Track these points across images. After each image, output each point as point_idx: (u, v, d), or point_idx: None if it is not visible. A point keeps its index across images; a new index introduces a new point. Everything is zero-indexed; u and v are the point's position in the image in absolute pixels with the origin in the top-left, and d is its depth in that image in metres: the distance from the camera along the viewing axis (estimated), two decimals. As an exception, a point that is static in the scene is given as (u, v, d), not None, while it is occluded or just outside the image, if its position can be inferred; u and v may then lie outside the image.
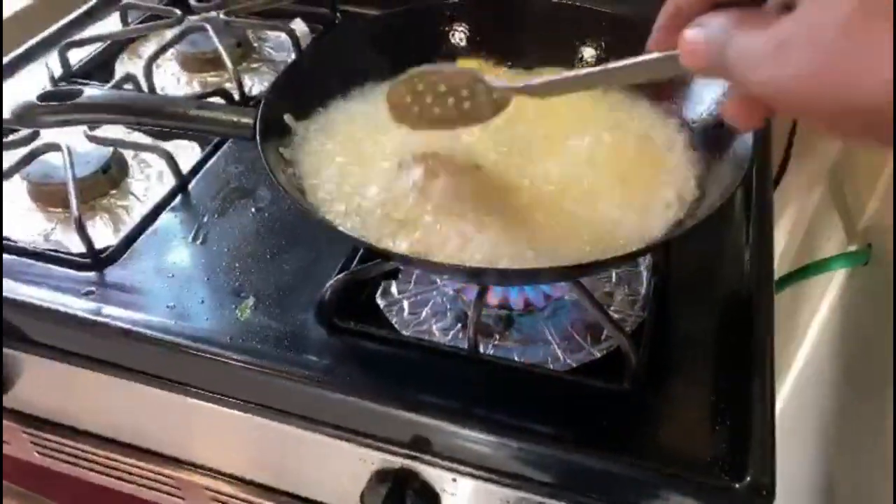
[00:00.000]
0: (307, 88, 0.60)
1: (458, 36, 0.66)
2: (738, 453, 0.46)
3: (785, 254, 1.04)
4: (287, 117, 0.56)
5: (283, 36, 0.90)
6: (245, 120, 0.52)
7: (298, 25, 0.91)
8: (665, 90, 0.59)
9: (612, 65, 0.38)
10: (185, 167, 0.69)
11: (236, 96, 0.77)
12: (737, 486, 0.45)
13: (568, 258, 0.49)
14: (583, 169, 0.55)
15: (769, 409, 0.49)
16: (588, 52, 0.63)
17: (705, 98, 0.56)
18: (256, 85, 0.83)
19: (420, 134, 0.54)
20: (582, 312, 0.58)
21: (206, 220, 0.65)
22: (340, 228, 0.49)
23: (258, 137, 0.51)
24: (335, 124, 0.60)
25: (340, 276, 0.55)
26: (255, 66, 0.87)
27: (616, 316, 0.57)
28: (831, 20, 0.22)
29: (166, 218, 0.65)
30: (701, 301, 0.57)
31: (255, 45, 0.90)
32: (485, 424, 0.49)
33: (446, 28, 0.67)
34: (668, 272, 0.59)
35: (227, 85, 0.80)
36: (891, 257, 0.74)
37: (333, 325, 0.55)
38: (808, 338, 0.95)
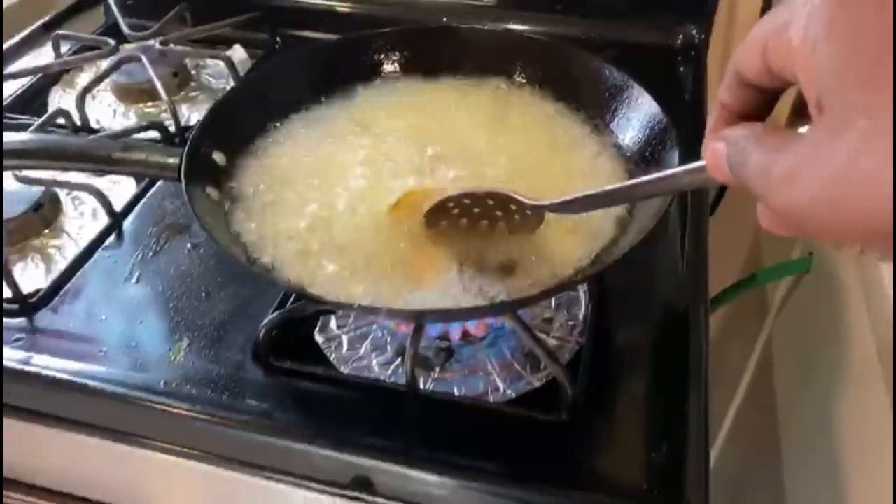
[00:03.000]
0: (238, 123, 0.59)
1: (391, 64, 0.66)
2: (674, 482, 0.46)
3: (732, 264, 1.05)
4: (217, 155, 0.55)
5: (223, 63, 0.88)
6: (171, 161, 0.51)
7: (238, 52, 0.90)
8: (597, 110, 0.59)
9: (644, 178, 0.38)
10: (120, 203, 0.68)
11: (172, 128, 0.75)
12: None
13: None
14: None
15: (703, 435, 0.49)
16: (520, 77, 0.64)
17: (634, 123, 0.57)
18: (195, 114, 0.82)
19: (356, 170, 0.54)
20: (521, 340, 0.58)
21: (140, 258, 0.63)
22: (267, 275, 0.49)
23: (183, 181, 0.50)
24: (271, 158, 0.59)
25: (275, 314, 0.54)
26: (193, 94, 0.86)
27: (555, 343, 0.57)
28: (838, 158, 0.22)
29: (100, 257, 0.64)
30: (639, 322, 0.58)
31: (194, 73, 0.89)
32: (425, 464, 0.48)
33: (379, 55, 0.66)
34: (606, 295, 0.59)
35: (164, 115, 0.79)
36: (831, 263, 0.76)
37: (269, 366, 0.54)
38: (756, 348, 0.97)
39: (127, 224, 0.67)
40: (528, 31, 0.89)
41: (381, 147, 0.59)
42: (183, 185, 0.50)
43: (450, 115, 0.62)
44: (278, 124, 0.61)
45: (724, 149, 0.28)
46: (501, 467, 0.48)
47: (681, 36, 0.87)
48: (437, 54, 0.64)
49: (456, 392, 0.55)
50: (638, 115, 0.57)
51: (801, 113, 0.29)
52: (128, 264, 0.63)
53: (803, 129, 0.25)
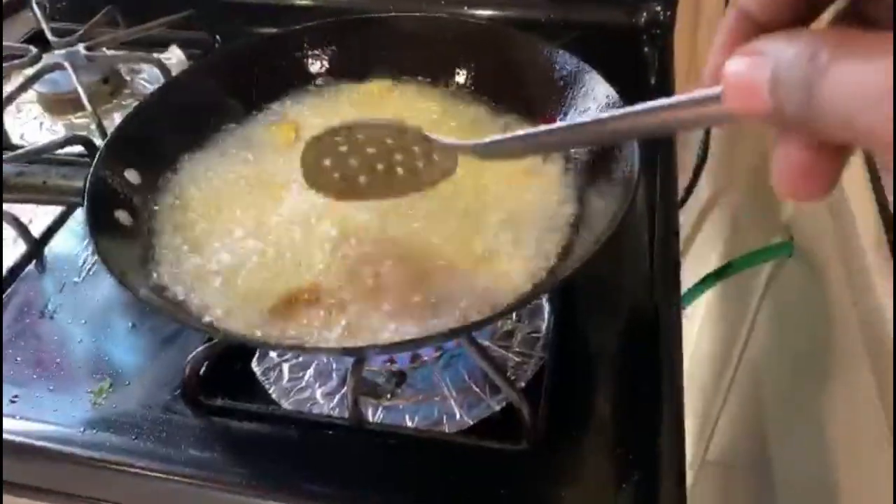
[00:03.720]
0: (155, 138, 0.53)
1: (318, 62, 0.60)
2: (647, 514, 0.42)
3: (711, 251, 1.01)
4: (130, 174, 0.50)
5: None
6: (72, 184, 0.46)
7: (175, 53, 0.84)
8: (537, 107, 0.54)
9: (605, 114, 0.26)
10: (40, 228, 0.62)
11: (98, 141, 0.69)
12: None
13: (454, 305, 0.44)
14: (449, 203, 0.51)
15: (679, 459, 0.44)
16: (459, 67, 0.58)
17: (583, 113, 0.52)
18: (126, 124, 0.76)
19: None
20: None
21: (62, 288, 0.58)
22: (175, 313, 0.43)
23: (87, 207, 0.45)
24: (192, 176, 0.54)
25: (200, 349, 0.48)
26: (126, 102, 0.80)
27: (516, 360, 0.52)
28: None
29: (16, 290, 0.58)
30: (606, 330, 0.53)
31: (128, 79, 0.83)
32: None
33: (303, 53, 0.61)
34: (570, 303, 0.54)
35: (94, 127, 0.73)
36: (813, 246, 0.72)
37: (199, 405, 0.49)
38: (740, 334, 0.93)
39: (48, 251, 0.61)
40: (485, 16, 0.84)
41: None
42: (84, 209, 0.44)
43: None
44: (200, 137, 0.55)
45: (764, 67, 0.20)
46: (457, 507, 0.43)
47: (644, 14, 0.81)
48: (363, 51, 0.59)
49: (408, 422, 0.50)
50: (590, 102, 0.51)
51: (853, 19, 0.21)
52: (47, 296, 0.57)
53: None
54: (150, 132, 0.53)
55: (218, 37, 0.86)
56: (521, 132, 0.31)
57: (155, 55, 0.79)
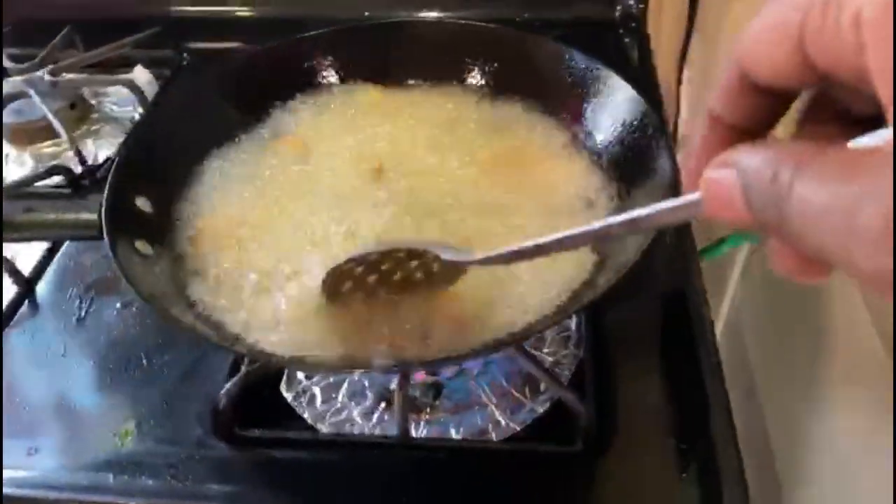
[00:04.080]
0: (160, 159, 0.51)
1: (328, 68, 0.58)
2: (713, 501, 0.42)
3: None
4: (141, 201, 0.47)
5: (126, 88, 0.79)
6: (86, 217, 0.43)
7: (140, 74, 0.80)
8: (565, 111, 0.54)
9: (598, 224, 0.27)
10: (28, 266, 0.59)
11: (77, 169, 0.66)
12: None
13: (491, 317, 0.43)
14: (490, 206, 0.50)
15: (733, 440, 0.45)
16: (474, 71, 0.58)
17: (604, 124, 0.52)
18: (103, 151, 0.72)
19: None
20: (515, 363, 0.52)
21: (63, 328, 0.54)
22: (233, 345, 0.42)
23: (108, 238, 0.42)
24: (206, 196, 0.51)
25: (235, 379, 0.46)
26: (96, 127, 0.76)
27: (550, 360, 0.52)
28: None
29: (13, 335, 0.54)
30: (635, 322, 0.53)
31: (94, 102, 0.79)
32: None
33: (313, 62, 0.59)
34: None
35: (70, 155, 0.69)
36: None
37: (234, 437, 0.47)
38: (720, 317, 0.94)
39: (40, 289, 0.58)
40: (455, 17, 0.83)
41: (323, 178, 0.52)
42: (108, 246, 0.41)
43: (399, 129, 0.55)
44: (207, 154, 0.53)
45: (736, 180, 0.20)
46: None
47: (619, 7, 0.82)
48: (381, 56, 0.58)
49: (453, 433, 0.48)
50: (610, 102, 0.51)
51: (812, 122, 0.23)
52: (48, 338, 0.54)
53: (865, 140, 0.18)
54: (155, 152, 0.50)
55: (185, 54, 0.83)
56: (525, 244, 0.32)
57: (123, 76, 0.76)
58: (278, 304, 0.44)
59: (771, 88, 0.22)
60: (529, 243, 0.31)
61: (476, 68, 0.58)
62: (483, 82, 0.58)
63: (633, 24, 0.82)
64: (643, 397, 0.48)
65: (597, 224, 0.27)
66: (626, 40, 0.80)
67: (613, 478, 0.44)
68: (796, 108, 0.24)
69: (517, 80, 0.56)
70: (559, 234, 0.29)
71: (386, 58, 0.58)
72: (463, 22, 0.58)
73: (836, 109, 0.23)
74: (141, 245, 0.45)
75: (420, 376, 0.50)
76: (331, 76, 0.59)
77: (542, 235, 0.30)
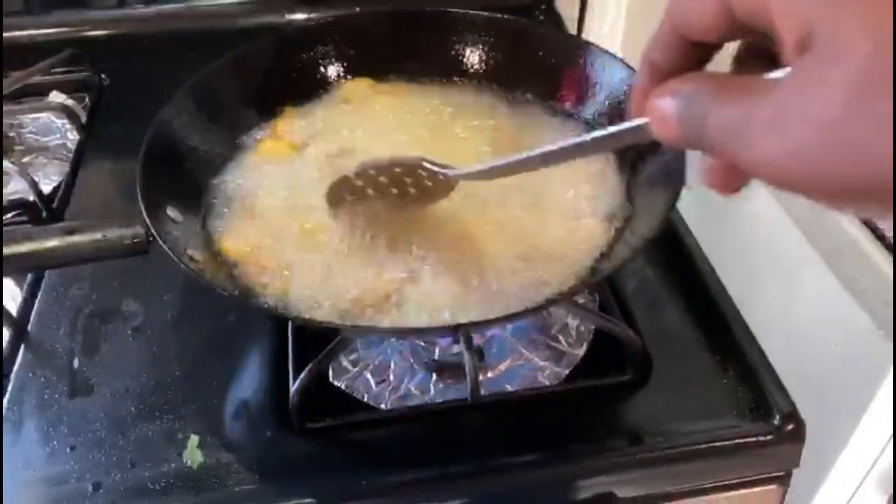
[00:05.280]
0: (181, 165, 0.50)
1: (335, 59, 0.60)
2: (756, 394, 0.48)
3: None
4: (171, 212, 0.46)
5: (46, 115, 0.74)
6: (131, 231, 0.41)
7: (58, 98, 0.75)
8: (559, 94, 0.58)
9: (571, 141, 0.33)
10: (12, 307, 0.54)
11: (37, 202, 0.61)
12: (775, 422, 0.47)
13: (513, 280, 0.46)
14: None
15: (756, 344, 0.51)
16: (473, 57, 0.61)
17: (599, 98, 0.56)
18: (46, 182, 0.67)
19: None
20: (540, 318, 0.56)
21: (77, 365, 0.51)
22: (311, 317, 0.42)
23: (168, 249, 0.41)
24: (232, 190, 0.51)
25: (305, 371, 0.46)
26: (26, 159, 0.71)
27: (581, 301, 0.56)
28: (836, 93, 0.19)
29: (19, 380, 0.50)
30: (653, 259, 0.58)
31: (12, 135, 0.73)
32: (522, 467, 0.45)
33: (318, 53, 0.60)
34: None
35: (15, 188, 0.64)
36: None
37: (308, 431, 0.47)
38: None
39: (32, 329, 0.54)
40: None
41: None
42: (173, 255, 0.40)
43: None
44: (224, 159, 0.53)
45: (673, 106, 0.25)
46: (603, 441, 0.46)
47: (529, -10, 0.88)
48: (374, 50, 0.60)
49: (509, 388, 0.51)
50: (602, 78, 0.56)
51: (745, 64, 0.27)
52: (62, 377, 0.50)
53: (774, 75, 0.22)
54: (176, 158, 0.49)
55: (103, 75, 0.79)
56: (501, 160, 0.37)
57: (51, 101, 0.71)
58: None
59: (700, 41, 0.26)
60: (511, 158, 0.36)
61: (470, 56, 0.61)
62: (480, 69, 0.61)
63: (543, 7, 0.88)
64: (675, 324, 0.53)
65: (570, 140, 0.33)
66: (543, 19, 0.86)
67: (667, 393, 0.49)
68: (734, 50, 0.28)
69: (512, 65, 0.60)
70: (538, 150, 0.34)
71: (386, 49, 0.60)
72: (455, 10, 0.61)
73: (767, 56, 0.27)
74: (193, 252, 0.44)
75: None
76: (336, 68, 0.60)
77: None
